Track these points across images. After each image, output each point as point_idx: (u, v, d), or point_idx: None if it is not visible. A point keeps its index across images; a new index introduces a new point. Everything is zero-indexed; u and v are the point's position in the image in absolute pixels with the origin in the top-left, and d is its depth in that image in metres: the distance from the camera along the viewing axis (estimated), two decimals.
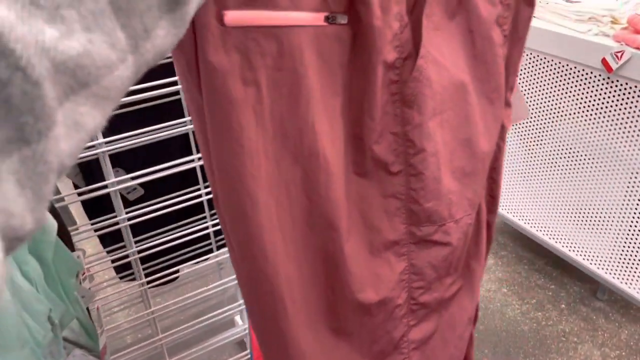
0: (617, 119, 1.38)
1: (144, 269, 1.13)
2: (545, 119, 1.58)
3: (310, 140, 0.45)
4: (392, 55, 0.45)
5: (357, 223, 0.51)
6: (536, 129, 1.62)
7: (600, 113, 1.41)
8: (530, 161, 1.69)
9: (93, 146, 0.88)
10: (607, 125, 1.41)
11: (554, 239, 1.70)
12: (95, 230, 1.07)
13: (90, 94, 0.22)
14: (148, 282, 1.16)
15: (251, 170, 0.44)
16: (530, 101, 1.60)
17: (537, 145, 1.64)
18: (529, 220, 1.77)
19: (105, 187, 0.93)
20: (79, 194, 1.00)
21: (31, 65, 0.19)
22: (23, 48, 0.19)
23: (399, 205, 0.52)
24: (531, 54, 1.54)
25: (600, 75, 1.38)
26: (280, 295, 0.49)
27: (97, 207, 1.08)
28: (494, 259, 1.90)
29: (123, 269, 1.16)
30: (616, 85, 1.35)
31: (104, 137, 0.89)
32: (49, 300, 0.60)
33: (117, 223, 0.99)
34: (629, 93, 1.33)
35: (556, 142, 1.57)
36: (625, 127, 1.37)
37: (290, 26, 0.41)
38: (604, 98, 1.39)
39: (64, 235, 0.81)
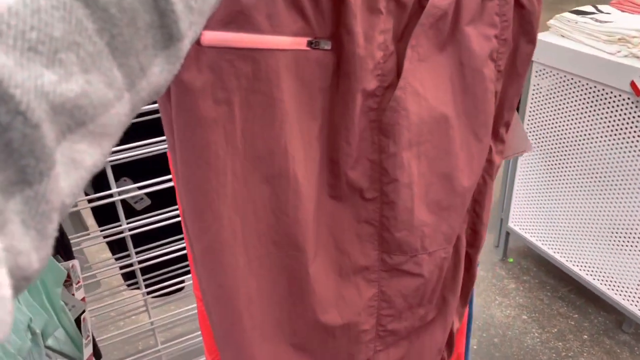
0: None
1: (149, 278, 1.13)
2: (571, 141, 1.53)
3: (281, 161, 0.44)
4: (373, 83, 0.45)
5: (328, 245, 0.51)
6: (561, 151, 1.57)
7: (628, 137, 1.35)
8: (555, 184, 1.63)
9: None
10: (635, 150, 1.35)
11: (578, 266, 1.64)
12: (104, 237, 1.08)
13: (87, 132, 0.23)
14: (151, 292, 1.16)
15: (216, 187, 0.44)
16: (556, 123, 1.55)
17: (562, 168, 1.59)
18: (553, 245, 1.70)
19: (110, 195, 0.94)
20: (88, 201, 1.01)
21: (31, 110, 0.19)
22: (22, 93, 0.19)
23: (372, 231, 0.51)
24: (558, 74, 1.50)
25: (629, 98, 1.32)
26: (238, 308, 0.49)
27: (105, 215, 1.09)
28: (516, 284, 1.84)
29: (128, 278, 1.16)
30: None
31: None
32: (30, 309, 0.60)
33: (122, 232, 1.00)
34: None
35: (582, 165, 1.52)
36: None
37: (270, 49, 0.40)
38: (632, 122, 1.33)
39: (62, 244, 0.82)
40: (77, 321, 0.74)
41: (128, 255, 1.07)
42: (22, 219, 0.20)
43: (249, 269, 0.48)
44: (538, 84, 1.58)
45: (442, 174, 0.50)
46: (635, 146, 1.34)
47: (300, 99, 0.44)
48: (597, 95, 1.40)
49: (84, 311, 0.77)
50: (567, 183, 1.59)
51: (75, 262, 0.79)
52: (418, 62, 0.46)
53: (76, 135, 0.22)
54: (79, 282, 0.79)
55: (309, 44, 0.42)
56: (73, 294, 0.75)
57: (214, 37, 0.39)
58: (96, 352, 1.00)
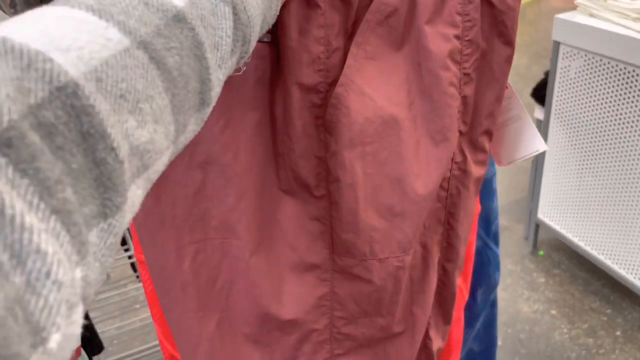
0: None
1: None
2: (602, 127, 1.44)
3: (213, 147, 0.45)
4: (314, 78, 0.44)
5: (277, 239, 0.49)
6: (592, 137, 1.48)
7: None
8: (586, 173, 1.54)
9: None
10: None
11: (612, 259, 1.55)
12: None
13: (146, 176, 0.26)
14: None
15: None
16: (585, 107, 1.47)
17: (593, 155, 1.50)
18: (585, 237, 1.62)
19: None
20: None
21: (119, 147, 0.22)
22: (115, 133, 0.22)
23: (323, 229, 0.49)
24: (586, 56, 1.41)
25: None
26: (174, 289, 0.50)
27: None
28: (545, 277, 1.76)
29: (136, 270, 1.17)
30: None
31: None
32: None
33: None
34: None
35: (615, 152, 1.43)
36: None
37: None
38: None
39: None
40: None
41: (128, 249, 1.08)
42: (94, 251, 0.21)
43: (184, 253, 0.49)
44: (566, 67, 1.49)
45: (392, 177, 0.47)
46: None
47: (236, 88, 0.43)
48: (629, 78, 1.32)
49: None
50: (599, 171, 1.50)
51: None
52: (365, 59, 0.45)
53: (140, 179, 0.25)
54: None
55: None
56: None
57: None
58: (98, 345, 1.01)
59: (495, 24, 0.47)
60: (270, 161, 0.47)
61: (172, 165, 0.45)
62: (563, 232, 1.69)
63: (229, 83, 0.43)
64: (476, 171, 0.51)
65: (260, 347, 0.51)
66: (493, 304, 0.69)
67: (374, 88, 0.45)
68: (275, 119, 0.46)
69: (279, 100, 0.45)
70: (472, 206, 0.53)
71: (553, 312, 1.64)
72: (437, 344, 0.57)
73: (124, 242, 1.10)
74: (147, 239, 0.50)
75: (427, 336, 0.56)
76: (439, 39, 0.45)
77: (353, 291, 0.50)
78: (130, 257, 1.09)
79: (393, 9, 0.43)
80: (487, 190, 0.57)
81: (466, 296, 0.62)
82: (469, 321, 0.67)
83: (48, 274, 0.18)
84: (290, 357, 0.52)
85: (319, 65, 0.44)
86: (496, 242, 0.65)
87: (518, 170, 2.26)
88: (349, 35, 0.45)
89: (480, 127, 0.50)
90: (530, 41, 3.53)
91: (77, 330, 0.19)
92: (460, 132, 0.49)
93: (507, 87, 0.51)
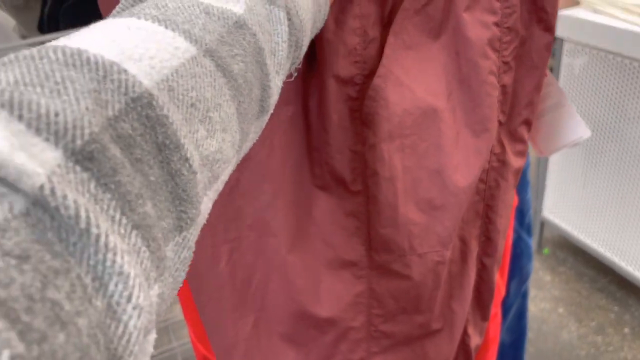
0: None
1: None
2: (608, 123, 1.43)
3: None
4: (351, 70, 0.44)
5: (313, 236, 0.48)
6: (597, 134, 1.48)
7: None
8: (592, 169, 1.54)
9: None
10: None
11: (618, 255, 1.54)
12: None
13: (215, 188, 0.26)
14: None
15: None
16: (591, 104, 1.46)
17: (599, 151, 1.50)
18: (591, 234, 1.61)
19: None
20: None
21: (192, 158, 0.22)
22: (188, 143, 0.22)
23: (359, 225, 0.48)
24: (591, 52, 1.41)
25: None
26: (208, 289, 0.49)
27: None
28: (551, 276, 1.75)
29: None
30: None
31: None
32: None
33: None
34: None
35: (620, 148, 1.42)
36: None
37: None
38: None
39: None
40: None
41: None
42: (169, 266, 0.21)
43: (219, 253, 0.48)
44: (570, 64, 1.49)
45: (432, 170, 0.46)
46: None
47: None
48: (634, 73, 1.31)
49: None
50: (604, 168, 1.50)
51: None
52: (404, 49, 0.44)
53: (211, 190, 0.25)
54: None
55: None
56: None
57: None
58: None
59: (535, 11, 0.46)
60: (304, 156, 0.46)
61: None
62: (569, 229, 1.68)
63: None
64: (515, 162, 0.50)
65: (295, 346, 0.49)
66: (524, 295, 0.68)
67: (412, 79, 0.44)
68: (309, 112, 0.45)
69: (314, 94, 0.44)
70: (511, 199, 0.52)
71: (560, 310, 1.64)
72: (475, 340, 0.56)
73: None
74: None
75: (465, 333, 0.54)
76: (478, 27, 0.44)
77: (391, 288, 0.49)
78: None
79: None
80: (521, 181, 0.56)
81: (503, 292, 0.60)
82: (503, 313, 0.65)
83: (129, 298, 0.17)
84: (327, 356, 0.50)
85: (355, 57, 0.43)
86: (529, 233, 0.64)
87: None
88: (386, 25, 0.44)
89: (520, 117, 0.49)
90: None
91: (147, 358, 0.19)
92: (500, 123, 0.48)
93: (546, 75, 0.50)
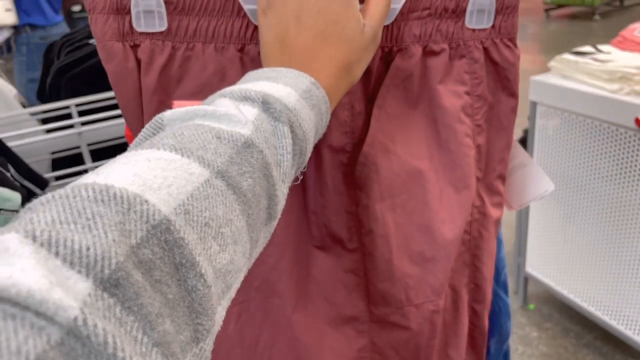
0: None
1: None
2: (581, 180, 1.50)
3: None
4: (341, 140, 0.48)
5: (315, 295, 0.51)
6: (572, 191, 1.54)
7: (635, 170, 1.33)
8: (570, 225, 1.59)
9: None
10: None
11: (601, 310, 1.57)
12: None
13: (228, 297, 0.28)
14: None
15: None
16: (564, 163, 1.53)
17: (575, 208, 1.56)
18: (574, 289, 1.65)
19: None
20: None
21: (206, 273, 0.24)
22: (203, 260, 0.24)
23: (358, 281, 0.51)
24: (562, 114, 1.49)
25: (635, 134, 1.30)
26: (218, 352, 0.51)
27: None
28: (538, 332, 1.77)
29: None
30: None
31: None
32: None
33: None
34: None
35: (595, 204, 1.48)
36: None
37: None
38: (637, 156, 1.31)
39: None
40: None
41: None
42: None
43: (228, 315, 0.49)
44: (544, 125, 1.57)
45: (421, 225, 0.50)
46: None
47: None
48: (603, 133, 1.39)
49: None
50: (581, 223, 1.55)
51: None
52: (387, 119, 0.49)
53: (224, 300, 0.27)
54: None
55: None
56: None
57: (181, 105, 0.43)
58: None
59: (499, 79, 0.51)
60: (303, 220, 0.50)
61: None
62: (552, 284, 1.71)
63: None
64: (494, 213, 0.54)
65: None
66: (506, 355, 0.70)
67: (397, 144, 0.49)
68: (306, 179, 0.49)
69: (311, 162, 0.48)
70: (494, 247, 0.56)
71: None
72: None
73: None
74: None
75: None
76: (451, 96, 0.49)
77: (391, 339, 0.52)
78: None
79: (408, 73, 0.48)
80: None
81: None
82: None
83: None
84: None
85: (345, 128, 0.48)
86: (505, 291, 0.67)
87: (503, 225, 2.31)
88: (370, 99, 0.48)
89: (494, 172, 0.54)
90: None
91: None
92: (477, 179, 0.53)
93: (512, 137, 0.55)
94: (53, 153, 1.00)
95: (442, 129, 0.50)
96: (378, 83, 0.48)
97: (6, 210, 0.61)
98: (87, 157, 0.94)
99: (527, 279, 1.83)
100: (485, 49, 0.50)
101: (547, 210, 1.66)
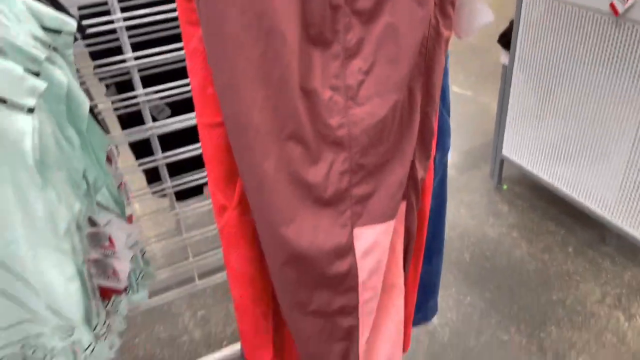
0: (625, 62, 1.43)
1: (173, 187, 1.27)
2: (560, 68, 1.63)
3: (271, 20, 0.57)
4: None
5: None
6: (550, 79, 1.68)
7: (609, 56, 1.46)
8: (546, 110, 1.74)
9: (124, 60, 1.02)
10: (616, 68, 1.46)
11: (567, 186, 1.76)
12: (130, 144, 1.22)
13: None
14: (177, 195, 1.31)
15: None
16: (545, 51, 1.66)
17: (551, 95, 1.70)
18: (545, 169, 1.83)
19: (135, 101, 1.08)
20: (115, 108, 1.15)
21: None
22: None
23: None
24: (547, 1, 1.60)
25: (608, 19, 1.42)
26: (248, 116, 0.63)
27: (131, 124, 1.23)
28: (509, 207, 1.98)
29: (152, 182, 1.31)
30: (623, 29, 1.40)
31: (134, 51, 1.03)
32: (84, 161, 0.75)
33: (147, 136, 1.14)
34: (636, 36, 1.38)
35: (570, 89, 1.63)
36: (633, 70, 1.42)
37: None
38: (612, 42, 1.44)
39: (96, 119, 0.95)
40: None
41: (153, 160, 1.21)
42: None
43: (262, 106, 0.62)
44: (528, 14, 1.68)
45: (390, 32, 0.63)
46: (617, 65, 1.45)
47: None
48: (579, 18, 1.51)
49: (122, 181, 0.92)
50: (554, 106, 1.70)
51: (113, 147, 0.93)
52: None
53: None
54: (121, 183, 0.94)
55: None
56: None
57: None
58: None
59: None
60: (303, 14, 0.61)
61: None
62: (524, 165, 1.90)
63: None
64: (446, 33, 0.68)
65: (297, 144, 0.65)
66: (444, 167, 0.88)
67: None
68: None
69: None
70: (443, 61, 0.70)
71: (514, 234, 1.86)
72: (420, 173, 0.75)
73: (147, 152, 1.22)
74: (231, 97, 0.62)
75: (413, 166, 0.73)
76: None
77: (365, 126, 0.67)
78: (151, 169, 1.22)
79: None
80: (444, 70, 0.75)
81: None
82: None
83: None
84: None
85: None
86: (448, 113, 0.83)
87: (484, 115, 2.46)
88: None
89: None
90: None
91: None
92: (435, 3, 0.65)
93: None
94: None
95: None
96: None
97: (67, 33, 0.73)
98: None
99: (502, 161, 2.01)
100: None
101: (525, 97, 1.81)
